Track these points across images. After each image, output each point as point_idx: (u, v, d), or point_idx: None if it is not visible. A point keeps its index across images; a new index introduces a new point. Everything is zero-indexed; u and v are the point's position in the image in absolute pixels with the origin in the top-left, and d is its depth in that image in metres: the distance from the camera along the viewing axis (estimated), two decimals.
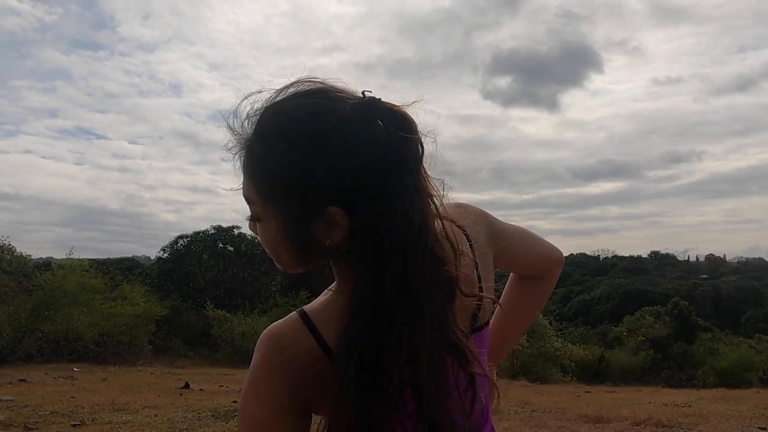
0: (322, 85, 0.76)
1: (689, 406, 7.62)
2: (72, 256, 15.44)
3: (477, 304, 0.83)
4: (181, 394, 8.71)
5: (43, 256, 19.12)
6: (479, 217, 0.91)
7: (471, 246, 0.86)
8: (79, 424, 5.69)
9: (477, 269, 0.85)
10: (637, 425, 5.74)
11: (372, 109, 0.73)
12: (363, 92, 0.75)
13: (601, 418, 6.11)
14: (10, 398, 7.14)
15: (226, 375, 12.52)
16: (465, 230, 0.86)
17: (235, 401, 7.52)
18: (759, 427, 5.96)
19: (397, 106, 0.76)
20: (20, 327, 12.92)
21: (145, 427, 5.62)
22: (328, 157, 0.70)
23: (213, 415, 6.30)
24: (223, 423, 5.89)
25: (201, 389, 9.64)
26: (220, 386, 10.22)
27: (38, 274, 15.96)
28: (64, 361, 12.84)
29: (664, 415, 6.42)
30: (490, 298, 0.85)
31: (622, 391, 10.95)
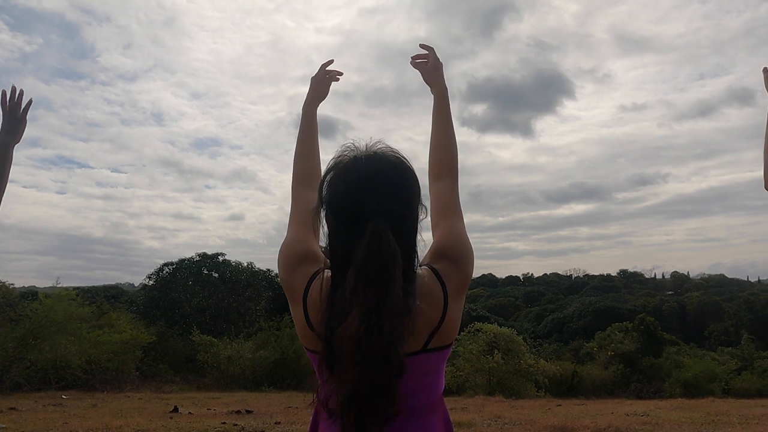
0: (350, 144, 1.19)
1: (648, 414, 8.31)
2: (58, 285, 15.57)
3: (436, 329, 1.11)
4: (171, 418, 8.97)
5: (26, 285, 18.94)
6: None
7: (443, 287, 1.12)
8: None
9: (445, 305, 1.12)
10: None
11: (352, 154, 1.16)
12: (368, 144, 1.18)
13: (566, 428, 6.73)
14: (3, 426, 7.36)
15: (214, 398, 12.73)
16: (439, 275, 1.14)
17: (224, 422, 7.91)
18: None
19: (379, 151, 1.16)
20: (8, 356, 13.04)
21: None
22: (329, 185, 1.15)
23: None
24: None
25: (189, 413, 9.84)
26: (208, 409, 10.43)
27: (26, 304, 16.01)
28: (52, 389, 12.94)
29: (623, 423, 7.10)
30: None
31: (590, 404, 11.60)
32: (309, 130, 1.55)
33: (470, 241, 1.25)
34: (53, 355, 13.41)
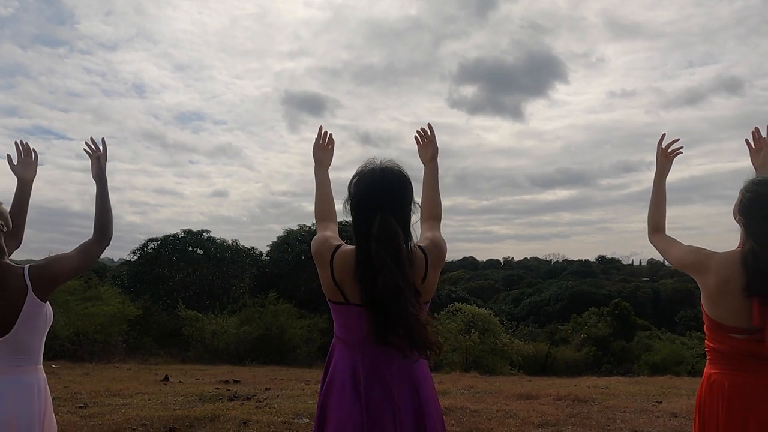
0: (371, 159, 1.81)
1: (607, 387, 8.99)
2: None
3: (421, 283, 1.71)
4: (165, 384, 9.43)
5: None
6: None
7: (426, 259, 1.73)
8: (83, 406, 6.23)
9: (426, 271, 1.73)
10: (558, 400, 6.98)
11: (371, 166, 1.78)
12: (382, 161, 1.79)
13: (531, 396, 7.36)
14: None
15: (200, 370, 13.11)
16: (425, 251, 1.76)
17: (217, 387, 8.39)
18: (656, 401, 7.28)
19: (387, 165, 1.77)
20: None
21: (143, 407, 6.18)
22: (354, 185, 1.78)
23: (200, 399, 6.93)
24: (211, 404, 6.45)
25: (180, 381, 10.25)
26: (196, 379, 10.79)
27: None
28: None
29: (583, 393, 7.73)
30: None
31: (557, 380, 12.31)
32: (322, 188, 2.11)
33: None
34: None
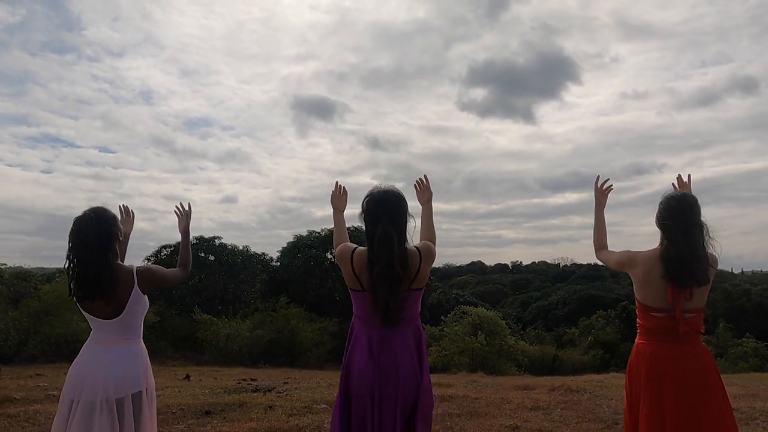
0: (377, 185, 2.48)
1: (601, 381, 9.46)
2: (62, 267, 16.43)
3: (414, 277, 2.35)
4: (189, 381, 10.00)
5: (12, 265, 18.93)
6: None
7: (420, 256, 2.39)
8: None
9: (420, 265, 2.37)
10: (552, 390, 7.52)
11: (377, 190, 2.45)
12: (385, 186, 2.48)
13: (527, 386, 7.90)
14: (45, 384, 8.14)
15: (217, 371, 13.67)
16: (419, 250, 2.41)
17: (239, 382, 8.95)
18: None
19: (389, 189, 2.45)
20: (24, 330, 14.04)
21: (176, 397, 6.77)
22: (366, 204, 2.45)
23: (225, 391, 7.48)
24: (237, 394, 6.98)
25: (200, 380, 10.86)
26: (215, 378, 11.40)
27: (25, 284, 16.94)
28: (65, 361, 13.91)
29: (576, 384, 8.24)
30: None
31: (558, 378, 12.74)
32: (339, 227, 2.79)
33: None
34: (65, 330, 14.42)
